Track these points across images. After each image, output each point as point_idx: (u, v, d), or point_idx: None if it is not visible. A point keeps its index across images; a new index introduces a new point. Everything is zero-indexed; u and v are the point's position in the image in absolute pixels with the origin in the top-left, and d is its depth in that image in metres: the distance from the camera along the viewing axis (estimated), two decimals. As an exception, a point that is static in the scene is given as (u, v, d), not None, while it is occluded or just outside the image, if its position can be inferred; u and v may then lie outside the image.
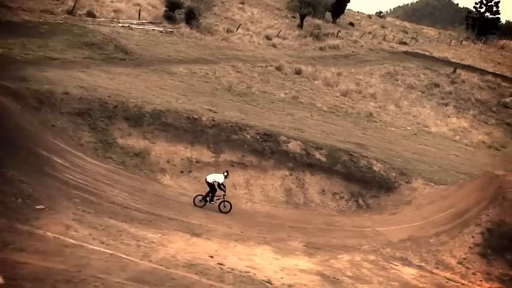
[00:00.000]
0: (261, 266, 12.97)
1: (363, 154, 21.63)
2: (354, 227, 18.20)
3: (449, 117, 37.13)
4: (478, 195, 18.15)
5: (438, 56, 64.16)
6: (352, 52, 54.32)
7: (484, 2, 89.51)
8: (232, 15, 52.10)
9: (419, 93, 44.75)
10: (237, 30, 45.27)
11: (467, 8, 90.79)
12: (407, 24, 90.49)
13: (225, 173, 17.98)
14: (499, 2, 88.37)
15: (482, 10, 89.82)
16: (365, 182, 20.58)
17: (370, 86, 41.02)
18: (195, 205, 17.48)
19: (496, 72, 59.57)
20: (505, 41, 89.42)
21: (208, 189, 17.71)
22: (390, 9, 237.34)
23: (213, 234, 15.14)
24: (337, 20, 67.15)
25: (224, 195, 17.63)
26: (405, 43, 67.02)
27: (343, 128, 26.45)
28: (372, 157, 21.75)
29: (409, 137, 28.40)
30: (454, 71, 53.49)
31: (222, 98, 25.55)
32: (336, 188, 20.19)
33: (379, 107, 33.33)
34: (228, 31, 43.91)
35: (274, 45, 45.53)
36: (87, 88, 20.77)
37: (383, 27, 78.06)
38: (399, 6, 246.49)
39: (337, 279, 13.41)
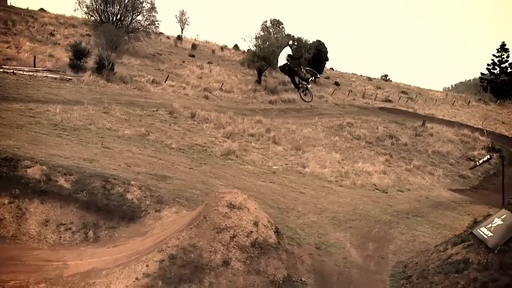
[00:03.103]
0: None
1: (125, 182, 17.84)
2: (41, 261, 14.24)
3: (364, 163, 32.46)
4: (191, 216, 14.12)
5: (422, 112, 59.48)
6: (310, 106, 50.71)
7: (497, 63, 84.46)
8: (182, 71, 50.49)
9: (364, 143, 40.34)
10: (165, 81, 43.13)
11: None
12: (412, 86, 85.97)
13: (290, 43, 15.41)
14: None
15: (496, 71, 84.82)
16: (107, 212, 16.51)
17: (293, 132, 37.25)
18: (303, 100, 16.51)
19: (487, 129, 53.89)
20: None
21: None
22: (452, 85, 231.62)
23: None
24: (315, 78, 64.25)
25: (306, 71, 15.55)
26: (389, 101, 62.75)
27: (165, 163, 22.49)
28: (139, 185, 17.95)
29: (260, 175, 23.69)
30: (423, 125, 49.01)
31: (28, 131, 22.44)
32: (67, 218, 16.24)
33: (256, 148, 29.34)
34: (153, 82, 41.85)
35: (206, 97, 42.96)
36: None
37: (378, 87, 74.14)
38: (460, 82, 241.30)
39: None
